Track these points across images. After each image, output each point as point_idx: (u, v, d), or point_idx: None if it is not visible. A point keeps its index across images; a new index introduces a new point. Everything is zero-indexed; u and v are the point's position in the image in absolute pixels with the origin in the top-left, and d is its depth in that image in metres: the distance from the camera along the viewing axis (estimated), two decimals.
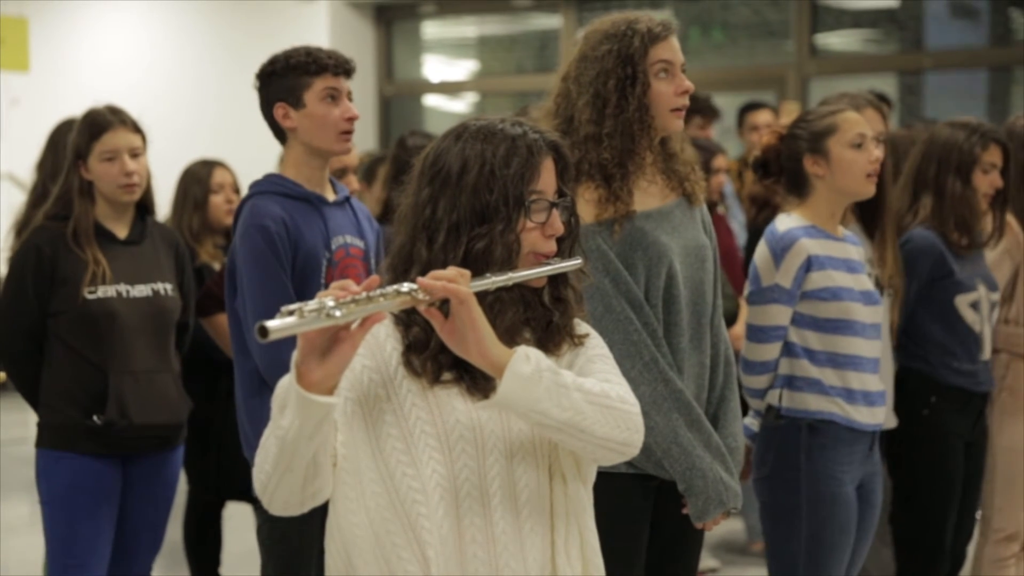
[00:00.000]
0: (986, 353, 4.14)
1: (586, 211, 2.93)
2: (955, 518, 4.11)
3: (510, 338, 2.12)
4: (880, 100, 4.66)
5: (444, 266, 2.07)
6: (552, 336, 2.20)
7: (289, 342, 3.16)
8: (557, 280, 2.21)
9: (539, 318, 2.20)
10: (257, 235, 3.26)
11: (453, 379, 2.11)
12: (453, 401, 2.10)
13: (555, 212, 2.15)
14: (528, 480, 2.14)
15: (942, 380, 4.08)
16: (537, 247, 2.14)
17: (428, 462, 2.07)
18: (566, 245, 2.21)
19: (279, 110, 3.37)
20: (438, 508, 2.07)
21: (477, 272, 2.07)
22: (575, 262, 2.20)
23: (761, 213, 3.76)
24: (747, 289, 3.54)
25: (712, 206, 5.87)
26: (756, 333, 3.48)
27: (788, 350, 3.48)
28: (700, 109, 6.59)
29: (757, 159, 3.65)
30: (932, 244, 4.09)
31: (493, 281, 2.06)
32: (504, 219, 2.10)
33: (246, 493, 3.39)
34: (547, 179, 2.15)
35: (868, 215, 3.91)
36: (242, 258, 3.29)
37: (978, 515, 4.33)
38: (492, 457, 2.11)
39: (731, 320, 3.77)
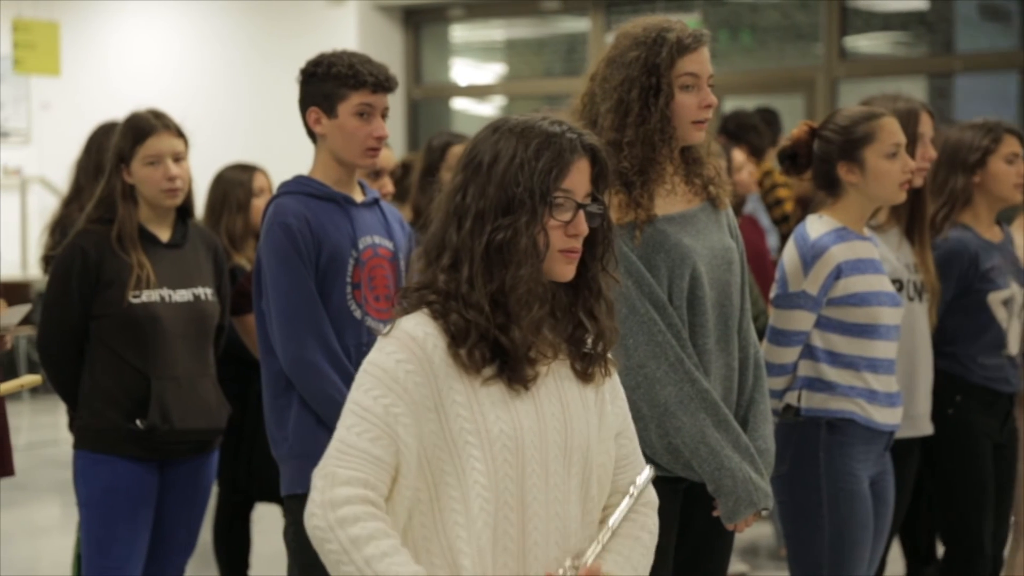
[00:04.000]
0: (1011, 348, 4.12)
1: None
2: (992, 519, 4.09)
3: (535, 330, 2.13)
4: None
5: (471, 252, 2.11)
6: (584, 359, 2.21)
7: (314, 340, 3.20)
8: (590, 290, 2.22)
9: (568, 325, 2.20)
10: (280, 233, 3.28)
11: (495, 373, 2.12)
12: (496, 408, 2.11)
13: (581, 213, 2.15)
14: (562, 490, 2.16)
15: (968, 379, 4.07)
16: (558, 245, 2.15)
17: (470, 472, 2.08)
18: (599, 251, 2.22)
19: (312, 114, 3.38)
20: (477, 519, 2.08)
21: (501, 262, 2.09)
22: None
23: (807, 212, 3.76)
24: (774, 291, 3.54)
25: (738, 206, 5.87)
26: (778, 336, 3.48)
27: (809, 353, 3.49)
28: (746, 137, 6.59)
29: (785, 150, 3.63)
30: (964, 246, 4.08)
31: None
32: (529, 212, 2.11)
33: (275, 494, 3.40)
34: (578, 179, 2.16)
35: (909, 220, 3.91)
36: (265, 256, 3.31)
37: (1012, 520, 4.31)
38: (531, 467, 2.12)
39: (763, 333, 3.78)
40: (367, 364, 2.13)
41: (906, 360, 3.81)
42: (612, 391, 2.28)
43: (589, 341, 2.22)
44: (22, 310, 3.48)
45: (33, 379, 3.41)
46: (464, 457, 2.09)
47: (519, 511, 2.11)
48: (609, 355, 2.26)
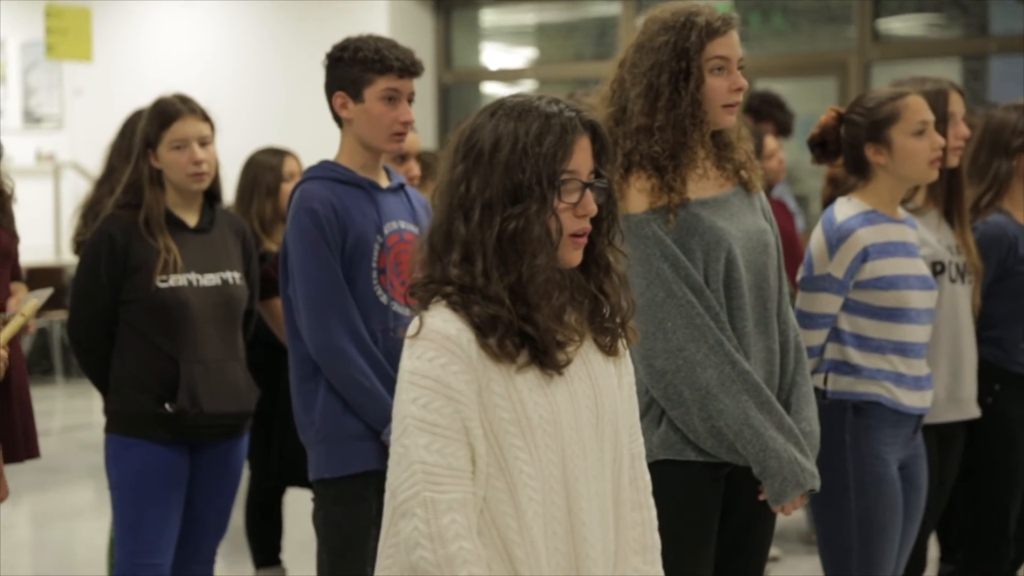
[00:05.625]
0: None
1: (639, 200, 2.93)
2: (1018, 509, 4.06)
3: (557, 319, 2.12)
4: None
5: (483, 245, 2.07)
6: (605, 333, 2.20)
7: (340, 325, 3.20)
8: (598, 266, 2.19)
9: (586, 303, 2.19)
10: (305, 218, 3.28)
11: (528, 361, 2.09)
12: (534, 395, 2.09)
13: (588, 193, 2.13)
14: (598, 467, 2.16)
15: (1008, 368, 4.04)
16: (569, 228, 2.12)
17: (514, 462, 2.07)
18: (604, 227, 2.19)
19: (338, 99, 3.38)
20: (527, 510, 2.07)
21: (516, 253, 2.06)
22: None
23: (836, 193, 3.74)
24: (800, 273, 3.53)
25: (770, 188, 5.85)
26: (804, 319, 3.47)
27: (836, 336, 3.48)
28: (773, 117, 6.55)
29: (814, 137, 3.62)
30: (1003, 230, 4.04)
31: None
32: (539, 198, 2.08)
33: (306, 479, 3.42)
34: (581, 159, 2.13)
35: (947, 201, 3.88)
36: (291, 242, 3.32)
37: None
38: (570, 448, 2.11)
39: None
40: (413, 375, 2.07)
41: (950, 343, 3.79)
42: (626, 358, 2.27)
43: (607, 315, 2.20)
44: (43, 294, 3.49)
45: (34, 304, 3.37)
46: (506, 447, 2.07)
47: (563, 495, 2.10)
48: (630, 324, 2.23)
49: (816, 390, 3.47)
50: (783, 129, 6.72)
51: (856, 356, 3.45)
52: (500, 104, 2.14)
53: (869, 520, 3.43)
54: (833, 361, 3.48)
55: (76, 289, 3.84)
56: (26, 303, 3.35)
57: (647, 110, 2.96)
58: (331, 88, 3.40)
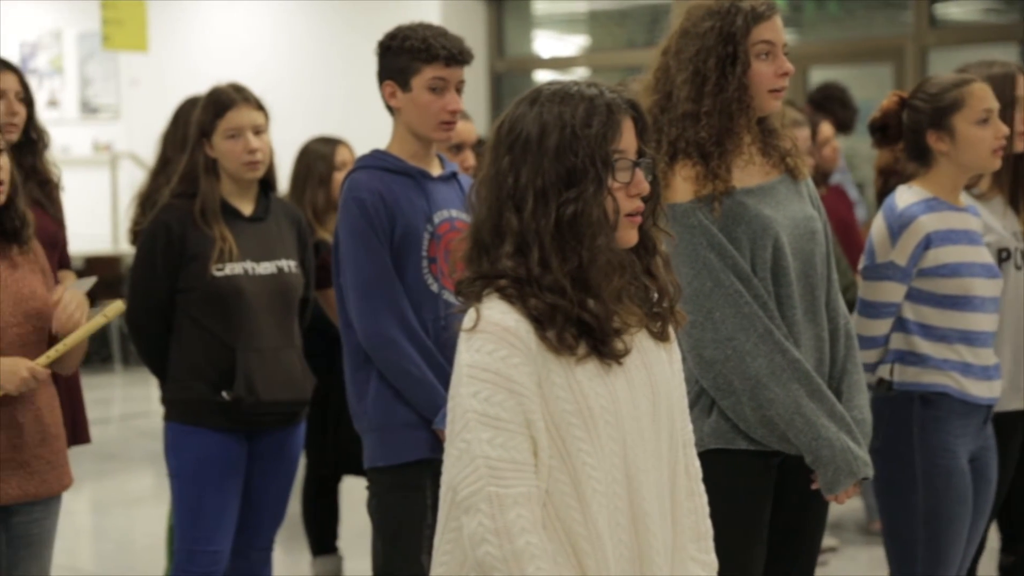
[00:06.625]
0: None
1: (684, 188, 2.92)
2: None
3: (617, 301, 2.11)
4: None
5: (538, 234, 2.05)
6: (656, 318, 2.19)
7: (390, 315, 3.21)
8: (645, 248, 2.18)
9: (639, 288, 2.18)
10: (354, 207, 3.30)
11: (587, 352, 2.08)
12: (594, 385, 2.08)
13: (638, 171, 2.12)
14: (656, 455, 2.16)
15: None
16: (625, 208, 2.11)
17: (577, 454, 2.06)
18: (649, 207, 2.17)
19: (387, 88, 3.39)
20: (591, 502, 2.06)
21: (575, 238, 2.05)
22: None
23: (888, 184, 3.69)
24: (862, 262, 3.50)
25: (826, 176, 5.80)
26: (867, 308, 3.44)
27: (901, 326, 3.44)
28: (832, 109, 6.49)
29: (875, 121, 3.59)
30: None
31: None
32: (594, 180, 2.06)
33: (361, 467, 3.44)
34: (628, 138, 2.12)
35: (1012, 187, 3.82)
36: (341, 231, 3.34)
37: None
38: (631, 438, 2.11)
39: (853, 304, 3.73)
40: (472, 369, 2.05)
41: (1014, 330, 3.74)
42: (675, 343, 2.26)
43: (655, 299, 2.19)
44: (87, 283, 3.52)
45: (118, 306, 3.43)
46: (568, 439, 2.06)
47: (625, 485, 2.10)
48: (678, 307, 2.22)
49: (881, 381, 3.45)
50: (842, 126, 6.64)
51: (923, 345, 3.41)
52: (539, 92, 2.13)
53: (936, 514, 3.39)
54: (899, 351, 3.44)
55: (134, 278, 3.88)
56: (110, 304, 3.40)
57: (693, 96, 2.95)
58: (381, 77, 3.41)
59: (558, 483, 2.06)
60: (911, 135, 3.51)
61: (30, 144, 4.00)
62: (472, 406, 2.04)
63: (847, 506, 5.91)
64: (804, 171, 3.08)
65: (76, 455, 3.59)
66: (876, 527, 5.74)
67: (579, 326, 2.07)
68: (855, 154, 8.13)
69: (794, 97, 6.88)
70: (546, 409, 2.05)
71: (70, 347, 3.31)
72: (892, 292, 3.42)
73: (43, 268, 3.37)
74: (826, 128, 5.88)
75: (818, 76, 8.73)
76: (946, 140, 3.45)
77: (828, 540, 5.59)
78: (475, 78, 10.30)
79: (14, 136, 3.83)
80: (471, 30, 10.29)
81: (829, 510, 3.13)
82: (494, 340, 2.04)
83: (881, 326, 3.44)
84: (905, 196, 3.47)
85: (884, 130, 3.57)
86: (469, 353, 2.06)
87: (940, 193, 3.47)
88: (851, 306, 3.37)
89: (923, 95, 3.50)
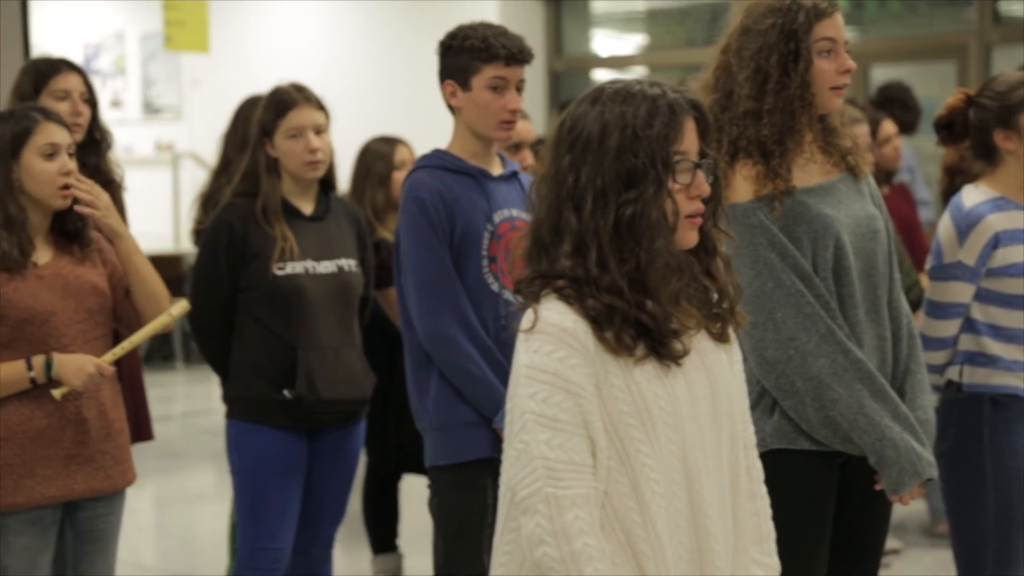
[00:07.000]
0: None
1: (745, 188, 2.91)
2: None
3: (674, 304, 2.10)
4: None
5: (597, 234, 2.04)
6: (715, 319, 2.18)
7: (450, 314, 3.22)
8: (705, 249, 2.16)
9: (698, 289, 2.17)
10: (414, 207, 3.31)
11: (645, 353, 2.07)
12: (653, 386, 2.07)
13: (699, 173, 2.10)
14: (716, 457, 2.15)
15: None
16: (685, 210, 2.10)
17: (635, 455, 2.05)
18: (710, 208, 2.16)
19: (448, 87, 3.39)
20: (650, 504, 2.05)
21: (634, 239, 2.04)
22: None
23: (954, 183, 3.66)
24: (929, 263, 3.46)
25: (889, 176, 5.74)
26: (935, 309, 3.40)
27: (970, 326, 3.41)
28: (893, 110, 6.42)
29: (941, 119, 3.56)
30: None
31: None
32: (654, 181, 2.05)
33: (422, 465, 3.45)
34: (690, 139, 2.10)
35: None
36: (402, 231, 3.35)
37: None
38: (691, 440, 2.10)
39: (917, 304, 3.69)
40: (530, 370, 2.05)
41: None
42: (735, 344, 2.25)
43: (715, 300, 2.18)
44: (180, 305, 3.56)
45: (183, 306, 3.47)
46: (627, 440, 2.05)
47: (685, 487, 2.09)
48: (738, 309, 2.21)
49: (951, 383, 3.42)
50: (904, 127, 6.56)
51: (993, 346, 3.37)
52: (601, 91, 2.12)
53: (1007, 516, 3.36)
54: (968, 352, 3.41)
55: (196, 277, 3.92)
56: (175, 303, 3.44)
57: (755, 94, 2.93)
58: (442, 77, 3.42)
59: (617, 484, 2.05)
60: (978, 133, 3.47)
61: (94, 144, 4.05)
62: (530, 407, 2.04)
63: (910, 508, 5.85)
64: (865, 169, 3.06)
65: (138, 452, 3.63)
66: (940, 529, 5.68)
67: (637, 327, 2.06)
68: (917, 152, 8.05)
69: (855, 95, 6.82)
70: (604, 410, 2.05)
71: (136, 344, 3.35)
72: (960, 292, 3.38)
73: (110, 267, 3.41)
74: (888, 126, 5.82)
75: (879, 74, 8.65)
76: (1013, 139, 3.41)
77: (891, 542, 5.54)
78: (533, 77, 10.26)
79: (79, 136, 3.88)
80: (529, 29, 10.29)
81: (893, 511, 3.10)
82: (552, 341, 2.04)
83: (949, 327, 3.40)
84: (972, 195, 3.44)
85: (950, 128, 3.54)
86: (527, 354, 2.06)
87: (1007, 192, 3.44)
88: (914, 306, 3.34)
89: (990, 93, 3.46)
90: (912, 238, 5.60)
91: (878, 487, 2.93)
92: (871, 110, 6.06)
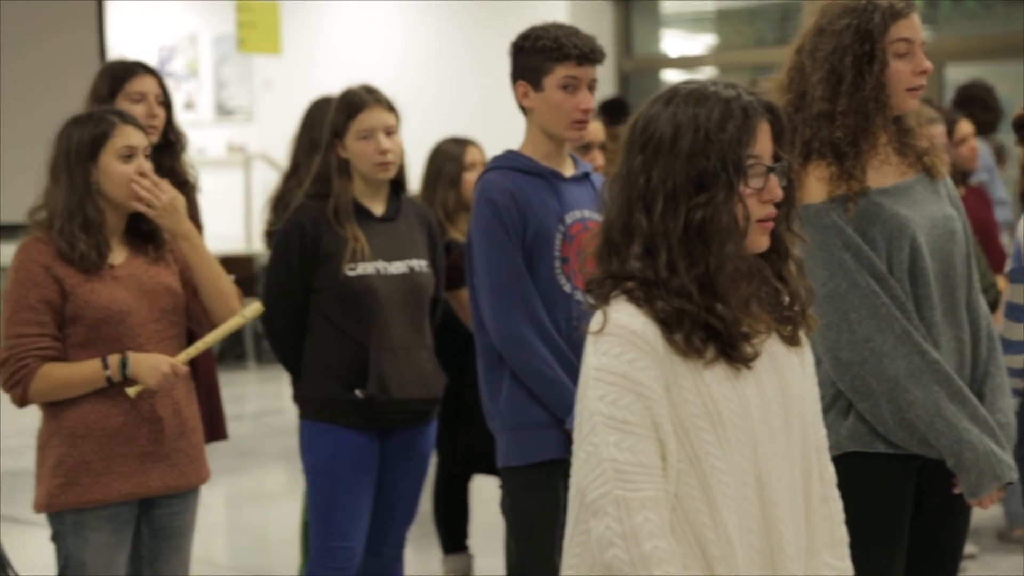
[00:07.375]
0: None
1: (818, 189, 2.88)
2: None
3: (744, 309, 2.08)
4: None
5: (667, 237, 2.03)
6: (787, 322, 2.16)
7: (522, 314, 3.22)
8: (778, 253, 2.14)
9: (769, 293, 2.15)
10: (486, 208, 3.32)
11: (715, 355, 2.06)
12: (723, 389, 2.06)
13: (772, 177, 2.08)
14: (788, 462, 2.13)
15: None
16: (756, 214, 2.08)
17: (706, 457, 2.04)
18: (783, 211, 2.14)
19: (520, 88, 3.39)
20: (721, 507, 2.04)
21: (703, 243, 2.02)
22: None
23: None
24: (1008, 264, 3.41)
25: (966, 176, 5.67)
26: (1016, 311, 3.35)
27: None
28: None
29: (1020, 118, 3.51)
30: None
31: None
32: (725, 185, 2.03)
33: (492, 466, 3.45)
34: (763, 142, 2.08)
35: None
36: (474, 232, 3.36)
37: None
38: (762, 443, 2.08)
39: (993, 307, 3.63)
40: (599, 372, 2.04)
41: None
42: (807, 347, 2.22)
43: (786, 304, 2.16)
44: (253, 308, 3.59)
45: (256, 308, 3.50)
46: (697, 443, 2.04)
47: (757, 490, 2.07)
48: (810, 312, 2.19)
49: None
50: (984, 127, 6.46)
51: None
52: (675, 92, 2.10)
53: None
54: None
55: (269, 278, 3.94)
56: (249, 304, 3.48)
57: (829, 95, 2.91)
58: (514, 77, 3.42)
59: (687, 487, 2.04)
60: None
61: (168, 146, 4.09)
62: (599, 409, 2.03)
63: (986, 512, 5.77)
64: (942, 170, 3.02)
65: (211, 451, 3.66)
66: (1017, 534, 5.60)
67: (707, 330, 2.05)
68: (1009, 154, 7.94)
69: (929, 94, 6.74)
70: (674, 412, 2.04)
71: (209, 345, 3.39)
72: None
73: (181, 266, 3.45)
74: (964, 126, 5.75)
75: (954, 73, 8.55)
76: None
77: (966, 547, 5.46)
78: (603, 77, 10.22)
79: (154, 138, 3.92)
80: (599, 29, 10.27)
81: (971, 515, 3.05)
82: (621, 343, 2.03)
83: None
84: None
85: None
86: (596, 356, 2.05)
87: None
88: (990, 308, 3.29)
89: None
90: (988, 239, 5.53)
91: (956, 490, 2.89)
92: (950, 110, 5.99)
